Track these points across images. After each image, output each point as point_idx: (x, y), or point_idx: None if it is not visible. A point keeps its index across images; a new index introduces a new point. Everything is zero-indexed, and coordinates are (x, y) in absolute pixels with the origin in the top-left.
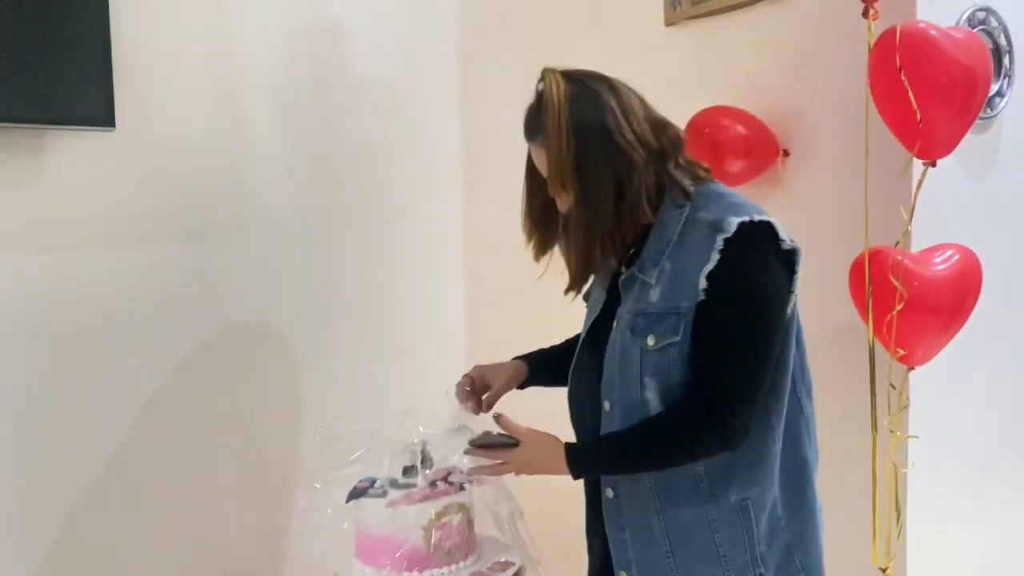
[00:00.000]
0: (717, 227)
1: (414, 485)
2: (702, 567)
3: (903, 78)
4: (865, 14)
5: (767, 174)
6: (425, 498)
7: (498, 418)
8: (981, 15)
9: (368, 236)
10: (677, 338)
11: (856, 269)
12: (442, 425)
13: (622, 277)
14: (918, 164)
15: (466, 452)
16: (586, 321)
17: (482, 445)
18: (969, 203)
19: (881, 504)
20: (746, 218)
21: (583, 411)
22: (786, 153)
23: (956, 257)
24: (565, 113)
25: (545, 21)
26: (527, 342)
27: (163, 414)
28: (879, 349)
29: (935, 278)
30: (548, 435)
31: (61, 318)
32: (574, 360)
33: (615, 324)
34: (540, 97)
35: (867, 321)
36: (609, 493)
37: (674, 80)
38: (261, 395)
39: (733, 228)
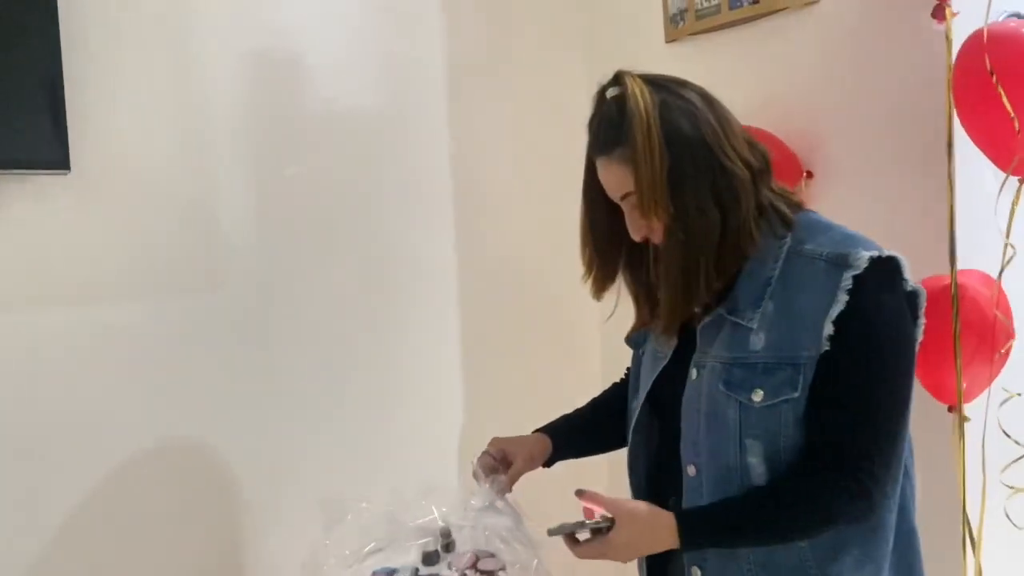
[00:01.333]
0: (841, 262)
1: None
2: None
3: (996, 84)
4: (936, 14)
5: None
6: None
7: (580, 495)
8: (1014, 22)
9: (351, 282)
10: (796, 394)
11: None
12: (464, 504)
13: (706, 319)
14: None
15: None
16: (642, 372)
17: (566, 534)
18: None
19: None
20: (875, 253)
21: (649, 478)
22: (809, 175)
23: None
24: (656, 122)
25: (537, 39)
26: (527, 387)
27: (128, 488)
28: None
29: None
30: (644, 505)
31: (9, 383)
32: (634, 421)
33: (694, 374)
34: (620, 104)
35: (954, 364)
36: (696, 573)
37: None
38: (242, 464)
39: (864, 263)
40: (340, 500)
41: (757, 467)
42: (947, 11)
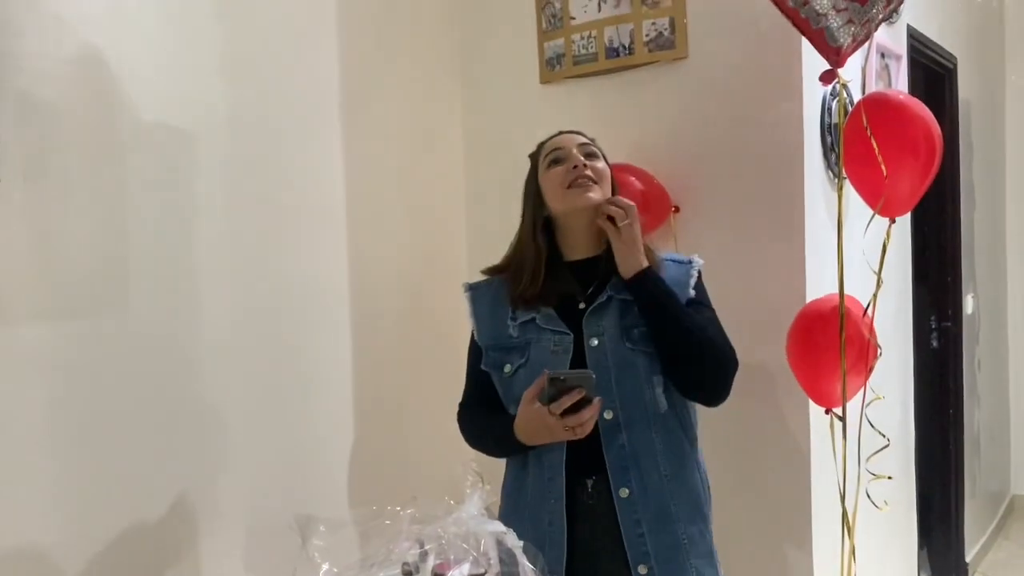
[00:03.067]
0: (684, 261)
1: None
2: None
3: (871, 139)
4: (824, 78)
5: (662, 228)
6: None
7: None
8: (838, 87)
9: (252, 298)
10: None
11: (808, 318)
12: (448, 511)
13: (599, 300)
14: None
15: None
16: (531, 375)
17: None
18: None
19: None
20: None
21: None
22: (677, 209)
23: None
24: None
25: (419, 71)
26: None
27: (30, 526)
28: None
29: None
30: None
31: None
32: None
33: (594, 342)
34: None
35: (840, 377)
36: (625, 493)
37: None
38: (160, 489)
39: (697, 262)
40: (312, 516)
41: (661, 396)
42: (835, 77)
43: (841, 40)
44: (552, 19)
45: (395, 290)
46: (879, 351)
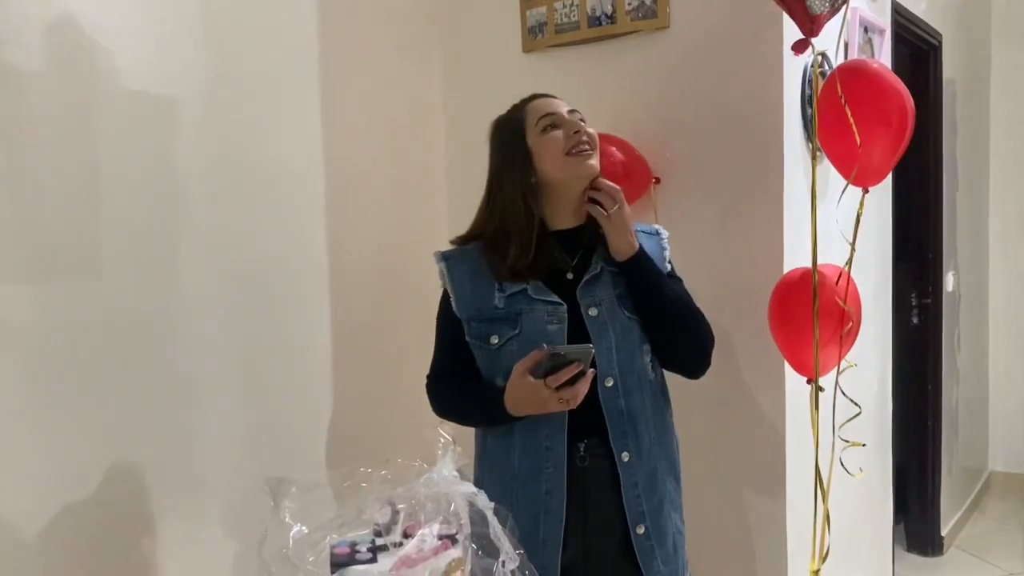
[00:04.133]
0: (654, 232)
1: (398, 543)
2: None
3: (845, 107)
4: (797, 47)
5: (642, 200)
6: (423, 559)
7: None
8: (819, 59)
9: (229, 272)
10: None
11: (783, 289)
12: (420, 473)
13: (589, 273)
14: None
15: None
16: (526, 346)
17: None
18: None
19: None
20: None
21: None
22: (657, 180)
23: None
24: None
25: (398, 43)
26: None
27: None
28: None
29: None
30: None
31: None
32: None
33: (593, 312)
34: None
35: (813, 341)
36: (625, 457)
37: None
38: (140, 461)
39: (664, 233)
40: (284, 478)
41: (649, 363)
42: (809, 47)
43: (818, 8)
44: None
45: (374, 262)
46: (850, 321)
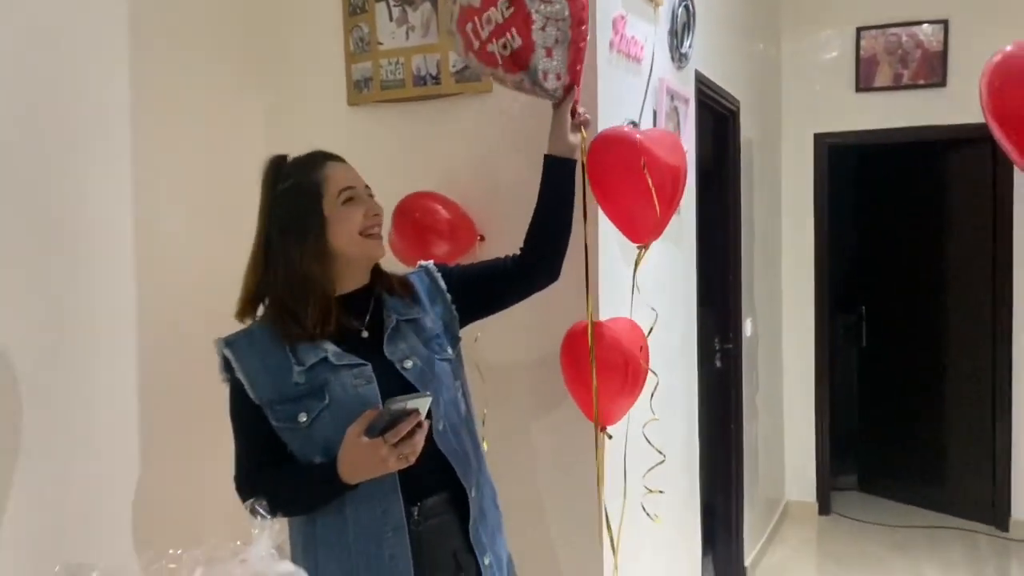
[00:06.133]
0: (422, 270)
1: None
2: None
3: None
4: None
5: (466, 256)
6: None
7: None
8: (630, 126)
9: (28, 322)
10: (458, 339)
11: (567, 341)
12: (235, 553)
13: (390, 326)
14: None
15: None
16: (341, 415)
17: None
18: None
19: None
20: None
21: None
22: (482, 238)
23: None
24: None
25: (218, 86)
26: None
27: None
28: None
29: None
30: None
31: None
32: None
33: (409, 364)
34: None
35: (597, 398)
36: (473, 492)
37: (358, 162)
38: None
39: (431, 265)
40: (82, 563)
41: (460, 400)
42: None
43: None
44: (360, 42)
45: (191, 319)
46: (649, 374)
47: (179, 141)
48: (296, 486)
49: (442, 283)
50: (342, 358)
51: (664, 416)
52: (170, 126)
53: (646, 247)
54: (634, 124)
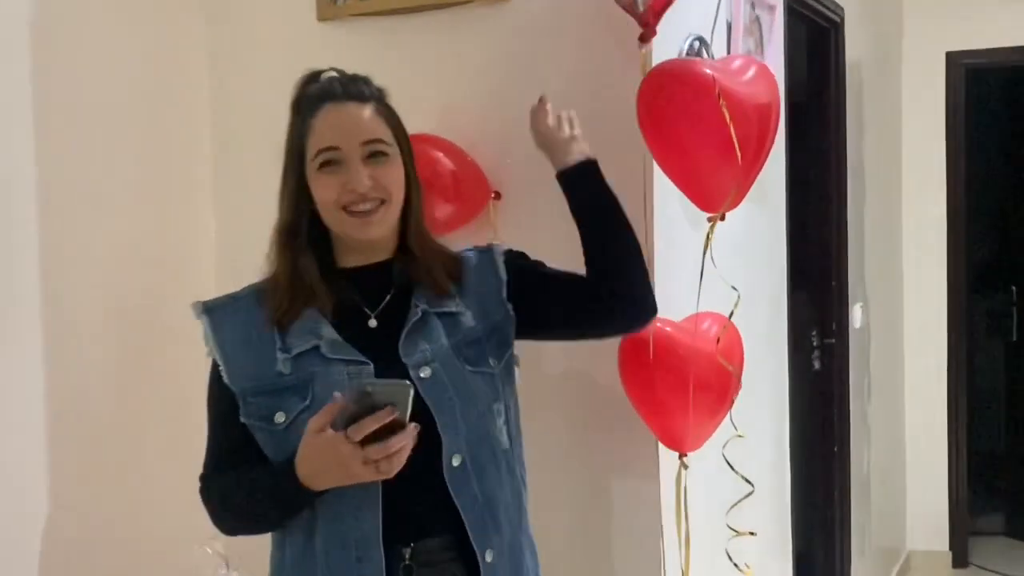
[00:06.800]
0: (485, 250)
1: None
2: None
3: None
4: (643, 38)
5: (479, 219)
6: None
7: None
8: (696, 45)
9: None
10: (510, 349)
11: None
12: None
13: (413, 319)
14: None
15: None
16: (327, 399)
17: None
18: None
19: None
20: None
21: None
22: (498, 195)
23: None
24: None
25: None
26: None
27: None
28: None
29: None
30: None
31: None
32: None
33: (426, 372)
34: (363, 78)
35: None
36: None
37: None
38: None
39: (501, 247)
40: None
41: (502, 427)
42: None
43: None
44: None
45: (110, 305)
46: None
47: (95, 64)
48: (252, 487)
49: (503, 272)
50: (338, 350)
51: (747, 434)
52: (83, 42)
53: (721, 218)
54: (702, 42)
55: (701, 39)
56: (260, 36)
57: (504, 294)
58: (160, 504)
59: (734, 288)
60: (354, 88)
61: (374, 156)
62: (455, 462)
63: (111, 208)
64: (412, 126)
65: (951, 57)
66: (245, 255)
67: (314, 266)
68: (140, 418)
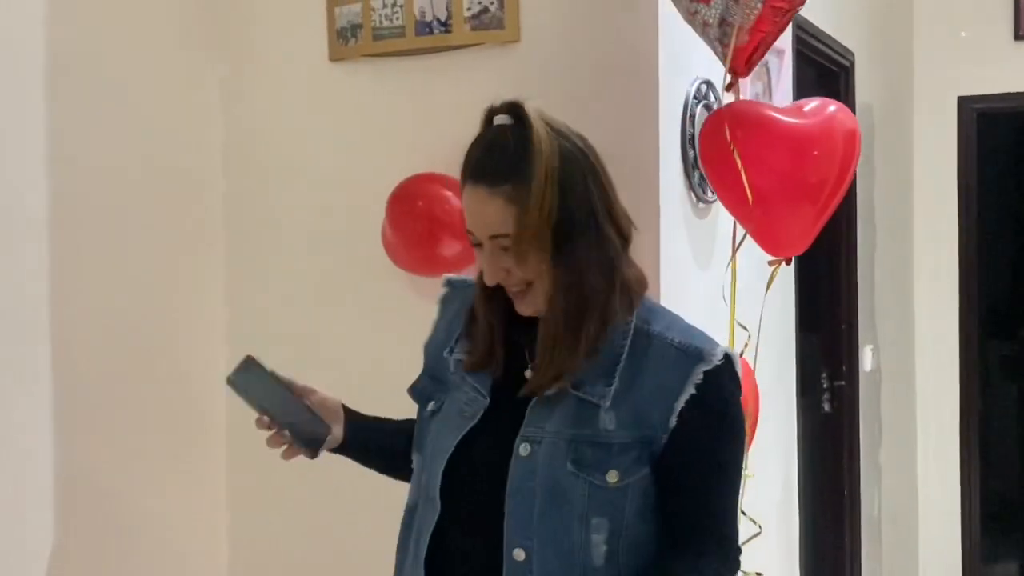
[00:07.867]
0: (695, 354)
1: None
2: None
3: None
4: (729, 88)
5: None
6: None
7: None
8: (703, 88)
9: None
10: (646, 470)
11: None
12: None
13: (548, 392)
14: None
15: None
16: (433, 430)
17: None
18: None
19: None
20: (725, 349)
21: (430, 557)
22: None
23: None
24: (555, 170)
25: (161, 40)
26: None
27: None
28: None
29: None
30: None
31: None
32: (423, 482)
33: (525, 450)
34: (522, 138)
35: None
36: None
37: (342, 131)
38: None
39: (718, 359)
40: None
41: (600, 545)
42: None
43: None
44: None
45: (120, 339)
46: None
47: (108, 106)
48: None
49: (691, 389)
50: (474, 375)
51: (755, 474)
52: (96, 85)
53: (787, 262)
54: (709, 86)
55: (708, 83)
56: (272, 77)
57: (673, 423)
58: (175, 532)
59: (744, 328)
60: (490, 164)
61: (505, 249)
62: (518, 556)
63: (127, 247)
64: (421, 165)
65: (962, 101)
66: (256, 291)
67: (501, 327)
68: (153, 446)
